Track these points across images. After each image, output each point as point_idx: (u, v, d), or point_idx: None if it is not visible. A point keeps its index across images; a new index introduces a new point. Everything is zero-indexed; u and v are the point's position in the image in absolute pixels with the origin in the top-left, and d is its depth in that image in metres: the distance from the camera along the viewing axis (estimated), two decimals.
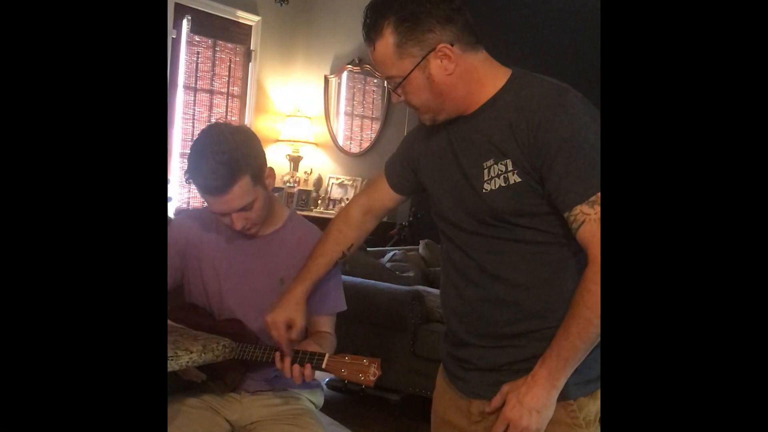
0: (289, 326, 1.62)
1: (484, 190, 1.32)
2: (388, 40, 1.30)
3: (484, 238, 1.36)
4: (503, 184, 1.30)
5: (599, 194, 1.22)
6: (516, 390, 1.31)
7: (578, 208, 1.24)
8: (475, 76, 1.34)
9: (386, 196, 1.62)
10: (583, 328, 1.24)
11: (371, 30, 1.32)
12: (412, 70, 1.31)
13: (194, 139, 1.76)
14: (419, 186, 1.54)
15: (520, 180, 1.28)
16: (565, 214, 1.26)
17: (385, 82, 1.39)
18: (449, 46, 1.29)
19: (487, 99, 1.34)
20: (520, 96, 1.31)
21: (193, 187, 1.76)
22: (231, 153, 1.66)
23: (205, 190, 1.69)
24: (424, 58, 1.29)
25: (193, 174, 1.70)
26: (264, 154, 1.78)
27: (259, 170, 1.73)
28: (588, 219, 1.23)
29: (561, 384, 1.29)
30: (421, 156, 1.50)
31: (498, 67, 1.37)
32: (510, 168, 1.29)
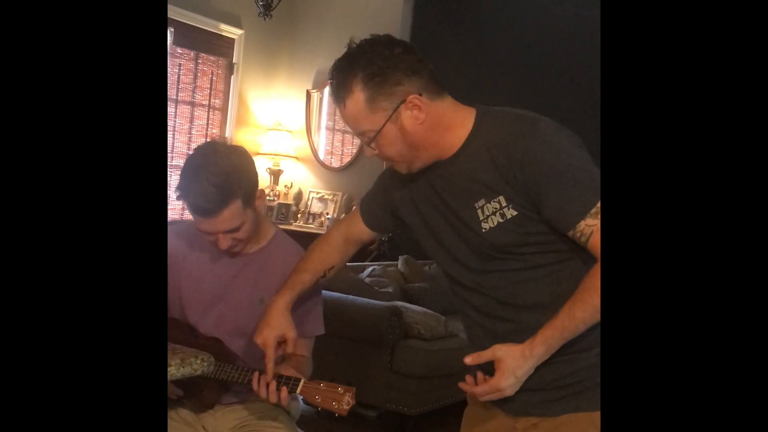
0: (281, 342, 1.62)
1: (483, 230, 1.35)
2: (358, 97, 1.34)
3: (495, 274, 1.39)
4: (501, 220, 1.33)
5: (598, 203, 1.26)
6: (512, 360, 1.33)
7: (582, 223, 1.28)
8: (445, 122, 1.37)
9: (363, 230, 1.67)
10: (589, 313, 1.28)
11: (340, 89, 1.35)
12: (385, 123, 1.34)
13: (189, 155, 1.74)
14: (398, 226, 1.59)
15: (516, 213, 1.32)
16: (570, 233, 1.30)
17: (358, 136, 1.41)
18: (418, 96, 1.33)
19: (461, 142, 1.38)
20: (493, 133, 1.35)
21: (173, 199, 1.75)
22: (225, 176, 1.65)
23: (194, 211, 1.68)
24: (395, 110, 1.33)
25: (184, 192, 1.67)
26: (257, 176, 1.77)
27: (250, 193, 1.72)
28: (595, 229, 1.27)
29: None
30: (402, 204, 1.53)
31: (464, 109, 1.41)
32: (504, 204, 1.33)
